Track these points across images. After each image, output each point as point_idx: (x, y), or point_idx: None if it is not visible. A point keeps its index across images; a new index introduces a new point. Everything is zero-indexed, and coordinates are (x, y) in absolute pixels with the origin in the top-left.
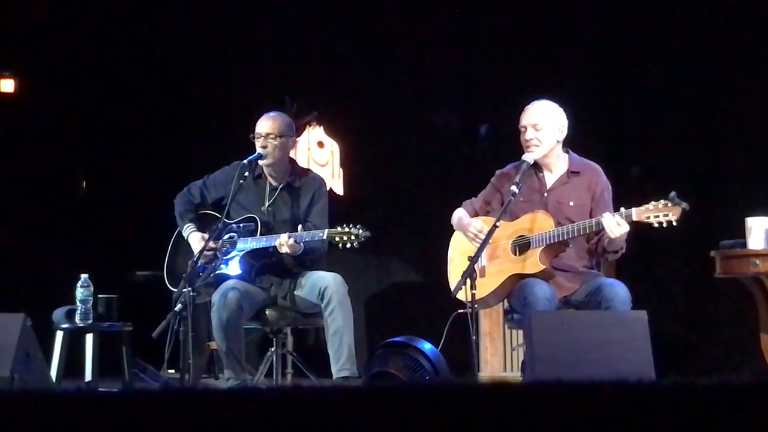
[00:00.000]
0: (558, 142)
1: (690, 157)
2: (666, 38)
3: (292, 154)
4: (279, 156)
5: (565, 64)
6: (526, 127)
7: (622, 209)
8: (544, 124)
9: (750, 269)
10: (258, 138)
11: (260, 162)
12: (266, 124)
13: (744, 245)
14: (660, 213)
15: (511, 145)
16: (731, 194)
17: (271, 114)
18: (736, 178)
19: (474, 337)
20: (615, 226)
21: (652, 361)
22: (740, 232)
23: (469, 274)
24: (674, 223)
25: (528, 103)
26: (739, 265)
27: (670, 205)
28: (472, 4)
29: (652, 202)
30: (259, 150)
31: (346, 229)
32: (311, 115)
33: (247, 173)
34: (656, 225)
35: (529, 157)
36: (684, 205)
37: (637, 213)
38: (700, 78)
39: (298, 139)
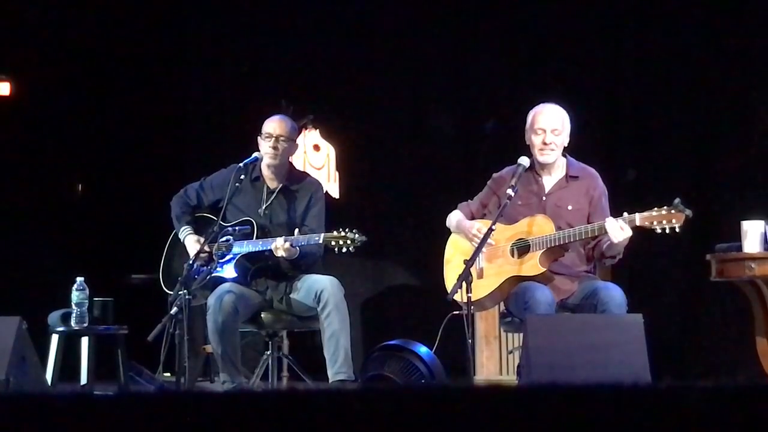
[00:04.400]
0: (564, 147)
1: (686, 161)
2: (664, 41)
3: None
4: (284, 159)
5: (562, 68)
6: (545, 130)
7: (626, 214)
8: (563, 128)
9: (745, 273)
10: (268, 138)
11: (264, 162)
12: (278, 126)
13: (739, 249)
14: (664, 219)
15: (510, 147)
16: (727, 198)
17: (281, 116)
18: (731, 181)
19: (470, 340)
20: (618, 230)
21: (647, 365)
22: (736, 236)
23: (465, 276)
24: (677, 230)
25: (533, 105)
26: (734, 268)
27: (674, 212)
28: (471, 4)
29: (656, 209)
30: (268, 150)
31: (342, 234)
32: (307, 118)
33: (243, 176)
34: (659, 231)
35: (525, 161)
36: (688, 212)
37: (640, 218)
38: (696, 82)
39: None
